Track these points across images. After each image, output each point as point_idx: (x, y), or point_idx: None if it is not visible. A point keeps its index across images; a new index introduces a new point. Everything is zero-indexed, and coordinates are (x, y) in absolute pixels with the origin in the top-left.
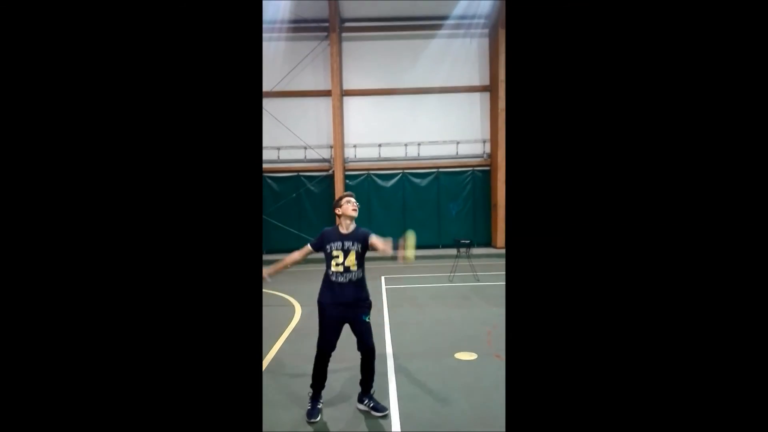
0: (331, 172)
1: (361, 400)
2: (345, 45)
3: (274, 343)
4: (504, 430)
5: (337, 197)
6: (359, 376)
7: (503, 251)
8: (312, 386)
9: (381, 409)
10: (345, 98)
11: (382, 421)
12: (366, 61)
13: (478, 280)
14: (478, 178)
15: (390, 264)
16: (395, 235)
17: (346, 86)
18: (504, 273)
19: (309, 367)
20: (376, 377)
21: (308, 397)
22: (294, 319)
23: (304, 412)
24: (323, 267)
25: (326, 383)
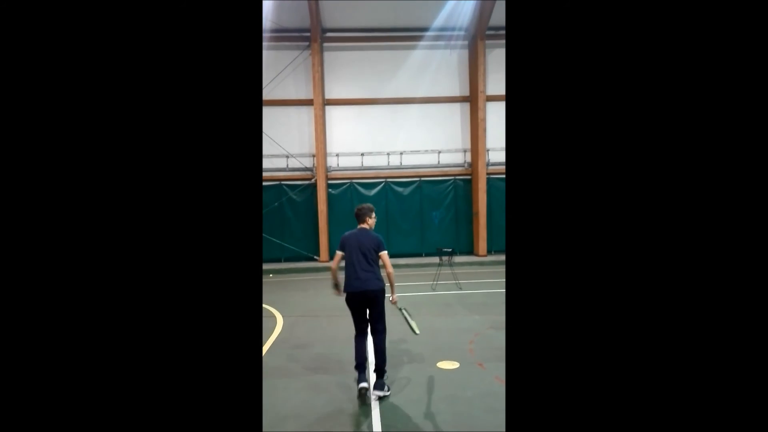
0: (313, 180)
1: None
2: (327, 55)
3: None
4: (504, 430)
5: (322, 206)
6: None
7: (485, 259)
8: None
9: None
10: (327, 107)
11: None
12: (348, 70)
13: (461, 288)
14: (460, 186)
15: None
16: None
17: (329, 95)
18: (486, 281)
19: (292, 382)
20: (358, 385)
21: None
22: (275, 330)
23: (285, 423)
24: (299, 277)
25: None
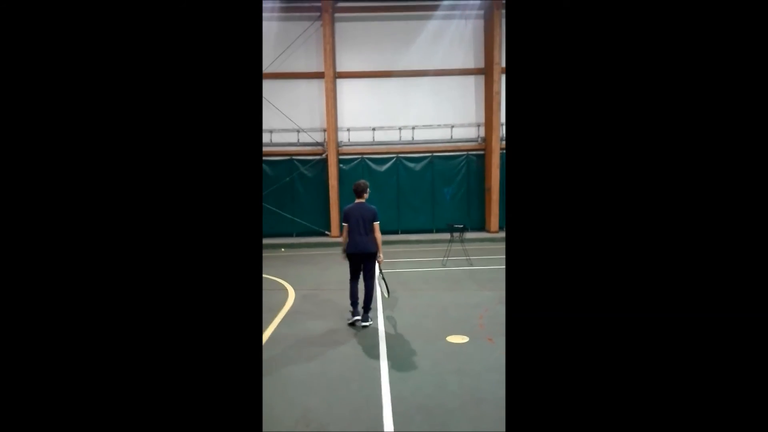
0: (324, 156)
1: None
2: (338, 26)
3: (268, 326)
4: (504, 430)
5: (333, 181)
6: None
7: (496, 235)
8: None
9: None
10: (338, 80)
11: (374, 406)
12: (359, 42)
13: (471, 264)
14: (473, 162)
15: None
16: (390, 220)
17: (340, 68)
18: (497, 257)
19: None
20: (369, 361)
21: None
22: (287, 302)
23: (298, 392)
24: (311, 252)
25: None
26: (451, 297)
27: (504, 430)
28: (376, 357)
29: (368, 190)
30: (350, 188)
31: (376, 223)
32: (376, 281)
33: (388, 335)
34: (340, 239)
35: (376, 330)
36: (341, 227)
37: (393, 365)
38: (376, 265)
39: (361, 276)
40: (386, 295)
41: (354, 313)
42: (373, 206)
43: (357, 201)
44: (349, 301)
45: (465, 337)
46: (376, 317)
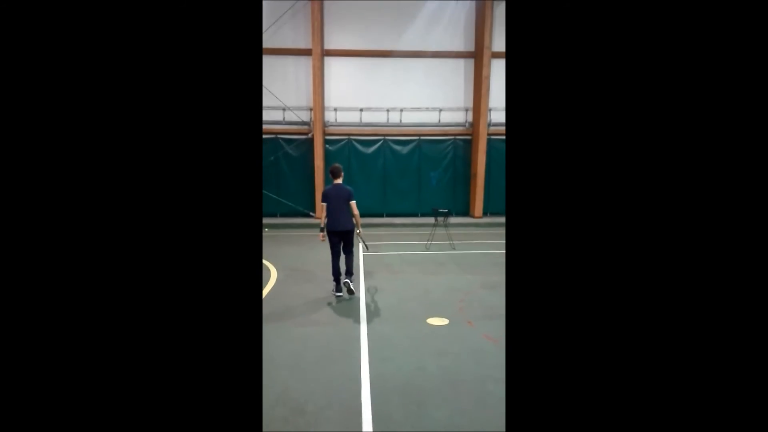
0: (310, 135)
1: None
2: (327, 3)
3: None
4: (504, 430)
5: (318, 162)
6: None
7: (480, 221)
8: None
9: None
10: (326, 58)
11: (352, 386)
12: (349, 20)
13: (454, 249)
14: (459, 146)
15: (367, 232)
16: (376, 203)
17: (328, 46)
18: (479, 242)
19: (285, 327)
20: (350, 341)
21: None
22: (269, 283)
23: (278, 371)
24: (294, 233)
25: None
26: (433, 280)
27: (504, 430)
28: (357, 338)
29: (342, 173)
30: None
31: (353, 202)
32: (355, 250)
33: (369, 316)
34: (325, 221)
35: (358, 311)
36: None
37: (373, 346)
38: (355, 236)
39: (342, 250)
40: (366, 249)
41: (337, 289)
42: (349, 187)
43: (335, 182)
44: (332, 278)
45: (445, 319)
46: (359, 298)
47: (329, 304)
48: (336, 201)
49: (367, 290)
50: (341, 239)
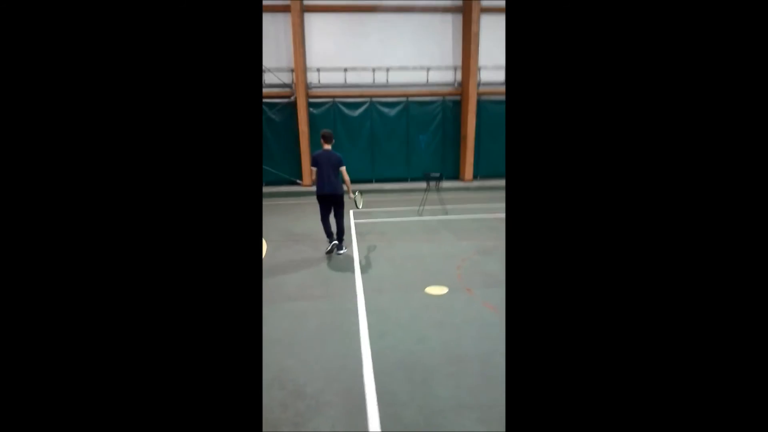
0: (293, 98)
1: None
2: None
3: None
4: (504, 430)
5: (303, 127)
6: None
7: (470, 184)
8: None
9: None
10: (306, 15)
11: (353, 364)
12: None
13: (447, 214)
14: (449, 108)
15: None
16: (364, 168)
17: (307, 1)
18: (472, 206)
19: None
20: (347, 316)
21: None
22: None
23: (272, 351)
24: (282, 201)
25: None
26: (428, 247)
27: (504, 430)
28: (354, 311)
29: (333, 139)
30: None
31: (343, 168)
32: (346, 215)
33: (365, 287)
34: (312, 188)
35: (353, 282)
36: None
37: (371, 320)
38: (346, 200)
39: (332, 215)
40: (358, 207)
41: (331, 241)
42: (338, 153)
43: (324, 147)
44: (326, 238)
45: (444, 288)
46: (351, 267)
47: (323, 275)
48: (326, 166)
49: (361, 260)
50: (330, 203)
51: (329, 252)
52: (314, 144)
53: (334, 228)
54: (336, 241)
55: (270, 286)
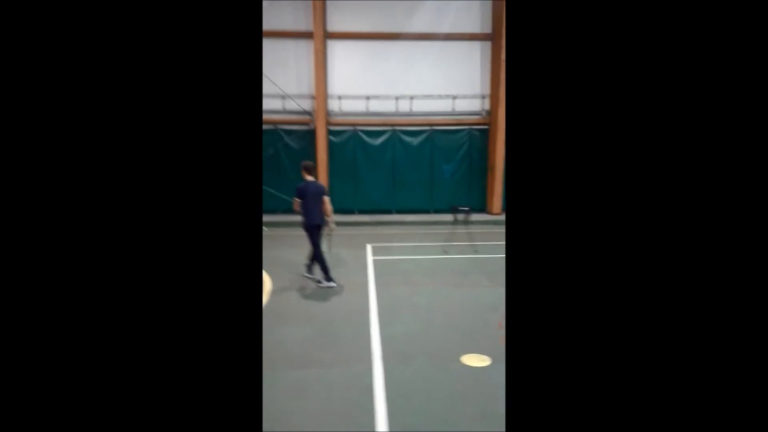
0: (312, 126)
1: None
2: None
3: None
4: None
5: (322, 155)
6: None
7: (499, 218)
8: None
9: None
10: (329, 42)
11: None
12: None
13: (477, 252)
14: (476, 137)
15: (376, 231)
16: (384, 199)
17: (331, 28)
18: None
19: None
20: (361, 398)
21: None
22: (265, 291)
23: None
24: (297, 231)
25: None
26: (459, 295)
27: (504, 430)
28: (369, 388)
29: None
30: (341, 162)
31: (326, 198)
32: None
33: (385, 352)
34: (328, 219)
35: (369, 343)
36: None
37: (393, 406)
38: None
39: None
40: (329, 250)
41: (328, 279)
42: (321, 183)
43: (308, 178)
44: (321, 270)
45: (485, 357)
46: (367, 321)
47: (334, 330)
48: (313, 197)
49: (381, 310)
50: (318, 232)
51: (319, 282)
52: (334, 171)
53: (306, 261)
54: (333, 283)
55: (271, 341)
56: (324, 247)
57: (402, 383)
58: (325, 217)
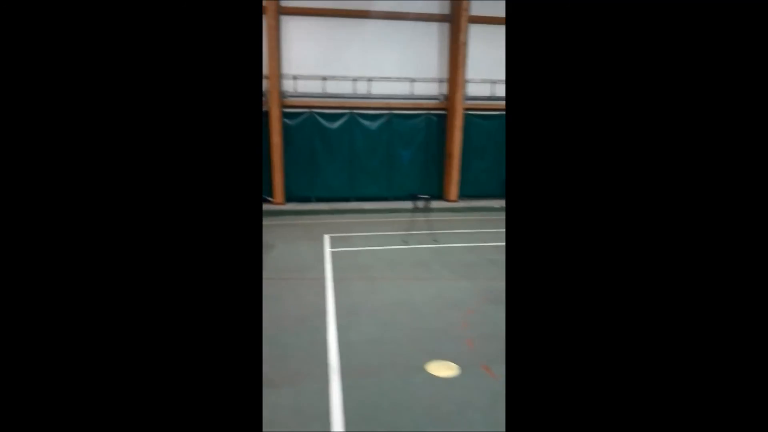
0: (266, 108)
1: None
2: None
3: None
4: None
5: (276, 138)
6: None
7: (456, 205)
8: None
9: None
10: (283, 17)
11: None
12: None
13: (437, 242)
14: (433, 122)
15: (334, 219)
16: (343, 186)
17: (285, 2)
18: (463, 232)
19: None
20: (311, 422)
21: None
22: None
23: None
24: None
25: None
26: (421, 290)
27: (504, 430)
28: (325, 413)
29: None
30: (297, 147)
31: None
32: None
33: (344, 364)
34: (285, 206)
35: (326, 352)
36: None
37: (351, 421)
38: None
39: None
40: None
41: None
42: None
43: None
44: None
45: (452, 365)
46: (324, 324)
47: (285, 340)
48: None
49: (338, 311)
50: None
51: None
52: (289, 157)
53: None
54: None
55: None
56: None
57: (363, 404)
58: None
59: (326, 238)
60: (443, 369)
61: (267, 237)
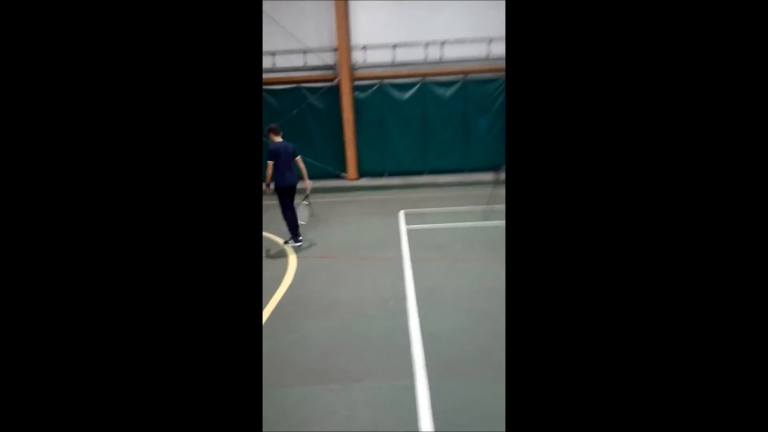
0: (336, 81)
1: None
2: None
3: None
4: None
5: (348, 113)
6: None
7: None
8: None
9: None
10: None
11: None
12: None
13: None
14: None
15: (406, 195)
16: (416, 159)
17: None
18: None
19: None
20: (401, 412)
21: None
22: (283, 283)
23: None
24: (323, 199)
25: None
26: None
27: (504, 430)
28: (412, 412)
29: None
30: (368, 121)
31: (299, 157)
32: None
33: (429, 360)
34: (358, 182)
35: (408, 346)
36: (265, 165)
37: (440, 425)
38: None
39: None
40: (305, 220)
41: (295, 236)
42: (291, 143)
43: (277, 139)
44: (290, 234)
45: None
46: (404, 312)
47: (363, 330)
48: (285, 158)
49: (419, 298)
50: (292, 194)
51: (287, 242)
52: (361, 132)
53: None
54: (299, 241)
55: (287, 344)
56: (306, 216)
57: (447, 405)
58: (301, 178)
59: (401, 214)
60: None
61: (342, 214)
